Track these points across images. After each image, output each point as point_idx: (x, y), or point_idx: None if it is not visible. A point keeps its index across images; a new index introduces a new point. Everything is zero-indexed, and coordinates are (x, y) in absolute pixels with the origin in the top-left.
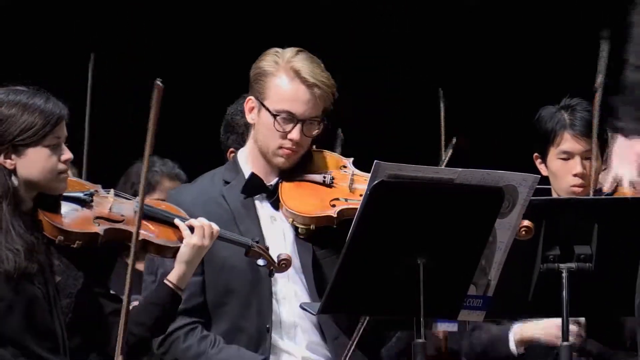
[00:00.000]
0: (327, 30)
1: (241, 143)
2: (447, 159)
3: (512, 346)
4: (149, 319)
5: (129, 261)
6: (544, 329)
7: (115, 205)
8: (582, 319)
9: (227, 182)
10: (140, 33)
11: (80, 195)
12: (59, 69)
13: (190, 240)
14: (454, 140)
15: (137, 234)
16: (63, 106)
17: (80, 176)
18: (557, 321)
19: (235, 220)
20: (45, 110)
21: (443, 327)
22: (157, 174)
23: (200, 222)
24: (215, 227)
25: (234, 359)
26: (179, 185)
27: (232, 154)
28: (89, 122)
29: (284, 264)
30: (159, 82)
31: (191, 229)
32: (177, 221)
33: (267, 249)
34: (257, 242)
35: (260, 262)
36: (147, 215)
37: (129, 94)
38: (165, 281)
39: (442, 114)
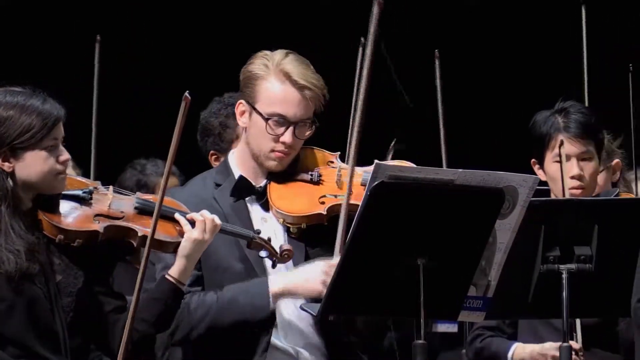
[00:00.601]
0: (328, 30)
1: (220, 144)
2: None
3: None
4: (151, 315)
5: (142, 260)
6: (540, 352)
7: (114, 202)
8: (577, 345)
9: (218, 185)
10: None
11: (79, 193)
12: (64, 57)
13: (192, 235)
14: (394, 143)
15: (153, 234)
16: (60, 107)
17: (88, 173)
18: (555, 346)
19: (227, 221)
20: (43, 111)
21: (443, 328)
22: (152, 175)
23: (202, 215)
24: (217, 220)
25: (241, 291)
26: (173, 187)
27: (214, 157)
28: (96, 116)
29: (286, 255)
30: (187, 95)
31: (192, 223)
32: (177, 216)
33: (269, 240)
34: (259, 234)
35: (263, 253)
36: (147, 210)
37: (132, 91)
38: (166, 276)
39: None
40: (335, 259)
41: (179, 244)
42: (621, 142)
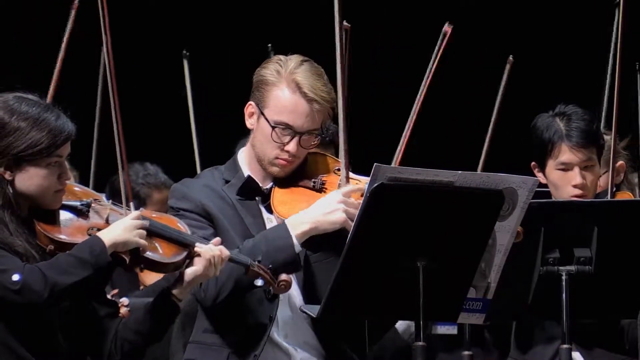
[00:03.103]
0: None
1: None
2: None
3: None
4: (146, 328)
5: None
6: None
7: (112, 215)
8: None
9: (227, 181)
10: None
11: (77, 204)
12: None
13: (206, 272)
14: None
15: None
16: (72, 124)
17: (87, 176)
18: None
19: (238, 213)
20: (55, 129)
21: (443, 330)
22: (144, 186)
23: (211, 250)
24: (226, 252)
25: (261, 237)
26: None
27: None
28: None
29: (283, 285)
30: None
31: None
32: (198, 246)
33: (270, 268)
34: (259, 262)
35: (259, 282)
36: (151, 231)
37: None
38: (166, 291)
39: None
40: (348, 186)
41: (174, 264)
42: (627, 143)
